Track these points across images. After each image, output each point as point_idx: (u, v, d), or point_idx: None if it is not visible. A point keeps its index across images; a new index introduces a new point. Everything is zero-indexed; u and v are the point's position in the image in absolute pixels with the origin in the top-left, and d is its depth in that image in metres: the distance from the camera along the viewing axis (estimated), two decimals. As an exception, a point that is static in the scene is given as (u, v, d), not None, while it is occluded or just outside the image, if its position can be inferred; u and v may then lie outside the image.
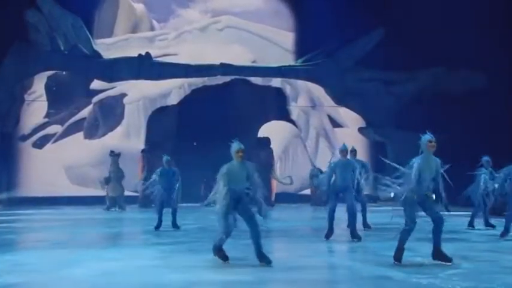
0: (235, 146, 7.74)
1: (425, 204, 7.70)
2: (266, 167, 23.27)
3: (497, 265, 7.64)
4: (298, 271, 7.23)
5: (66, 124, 27.71)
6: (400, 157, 27.29)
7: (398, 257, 7.63)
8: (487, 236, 11.50)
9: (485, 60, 23.00)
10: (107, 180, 22.22)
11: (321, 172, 20.83)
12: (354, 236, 10.53)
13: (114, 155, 22.64)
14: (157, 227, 12.56)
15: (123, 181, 22.47)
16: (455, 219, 16.21)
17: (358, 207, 11.90)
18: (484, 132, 22.17)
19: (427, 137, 7.72)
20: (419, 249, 9.16)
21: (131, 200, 24.70)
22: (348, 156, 11.59)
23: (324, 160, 28.67)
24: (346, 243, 10.73)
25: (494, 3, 22.82)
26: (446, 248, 9.28)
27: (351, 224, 10.64)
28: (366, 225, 12.90)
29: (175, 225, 12.76)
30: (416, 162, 7.52)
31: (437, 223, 7.73)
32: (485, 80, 24.08)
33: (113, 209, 21.42)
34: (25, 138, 27.04)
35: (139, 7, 29.11)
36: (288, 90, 29.35)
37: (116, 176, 22.23)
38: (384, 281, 6.55)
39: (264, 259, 7.42)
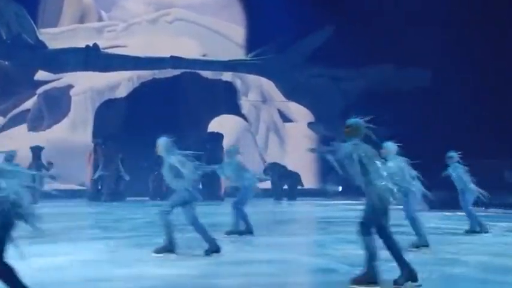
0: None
1: None
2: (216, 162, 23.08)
3: (436, 257, 7.87)
4: (246, 265, 7.26)
5: (9, 115, 26.88)
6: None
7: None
8: (428, 228, 11.83)
9: (430, 58, 23.64)
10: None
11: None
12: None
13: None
14: None
15: None
16: (401, 213, 16.63)
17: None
18: (429, 128, 22.81)
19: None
20: (364, 242, 9.34)
21: (78, 193, 24.22)
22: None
23: (274, 154, 29.02)
24: (293, 236, 10.85)
25: (441, 2, 23.46)
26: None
27: None
28: None
29: None
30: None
31: None
32: (429, 76, 24.78)
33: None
34: (-35, 129, 26.13)
35: (87, -3, 28.52)
36: (238, 84, 29.38)
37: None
38: (328, 273, 6.65)
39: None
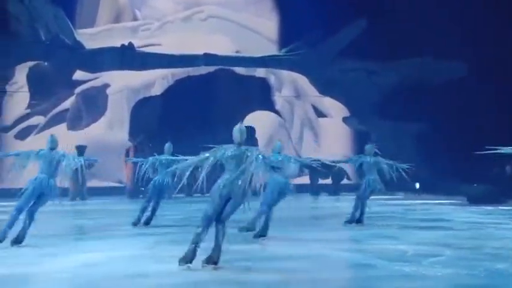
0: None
1: None
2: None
3: (479, 252, 7.72)
4: (281, 261, 7.27)
5: (49, 115, 27.46)
6: (384, 146, 27.37)
7: None
8: (470, 223, 11.64)
9: (466, 50, 23.19)
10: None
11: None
12: None
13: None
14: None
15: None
16: (439, 207, 16.41)
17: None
18: (464, 120, 22.40)
19: None
20: (402, 237, 9.25)
21: (117, 191, 24.65)
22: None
23: (309, 149, 28.89)
24: (329, 232, 10.80)
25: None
26: (429, 235, 9.41)
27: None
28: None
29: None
30: None
31: None
32: (465, 69, 24.31)
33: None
34: (7, 129, 26.76)
35: (122, -3, 28.86)
36: (272, 80, 29.34)
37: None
38: (366, 268, 6.60)
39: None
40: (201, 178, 6.77)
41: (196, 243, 6.68)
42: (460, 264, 6.79)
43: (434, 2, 23.35)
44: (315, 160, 11.36)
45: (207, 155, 6.80)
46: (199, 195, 23.96)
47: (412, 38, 23.74)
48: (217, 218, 6.80)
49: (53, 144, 9.29)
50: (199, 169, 6.72)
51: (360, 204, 11.79)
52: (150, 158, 12.15)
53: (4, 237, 8.69)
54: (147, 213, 11.83)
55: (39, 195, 8.93)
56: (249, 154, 6.77)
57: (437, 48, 23.88)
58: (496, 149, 7.01)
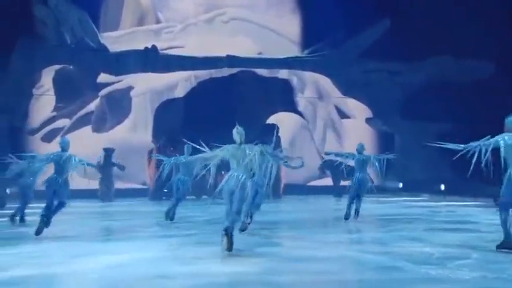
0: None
1: None
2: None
3: (507, 255, 7.61)
4: (306, 262, 7.25)
5: (74, 118, 27.80)
6: (408, 147, 27.25)
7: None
8: (496, 225, 11.46)
9: (492, 49, 22.87)
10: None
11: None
12: None
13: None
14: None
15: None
16: (465, 209, 16.21)
17: None
18: (490, 121, 22.08)
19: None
20: (428, 239, 9.16)
21: (140, 193, 24.85)
22: None
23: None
24: (353, 234, 10.75)
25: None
26: (455, 238, 9.31)
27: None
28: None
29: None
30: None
31: None
32: (492, 68, 23.96)
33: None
34: (34, 132, 27.16)
35: (145, 0, 29.07)
36: (294, 81, 29.30)
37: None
38: (392, 271, 6.55)
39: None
40: (212, 175, 7.68)
41: (227, 233, 7.57)
42: (487, 267, 6.70)
43: (460, 1, 23.09)
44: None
45: (215, 153, 7.56)
46: (206, 197, 24.00)
47: (435, 37, 23.50)
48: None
49: (64, 146, 10.27)
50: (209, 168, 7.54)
51: (351, 201, 12.44)
52: (172, 158, 12.93)
53: (40, 233, 10.06)
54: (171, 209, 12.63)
55: (54, 192, 10.21)
56: (248, 151, 7.46)
57: (461, 47, 23.57)
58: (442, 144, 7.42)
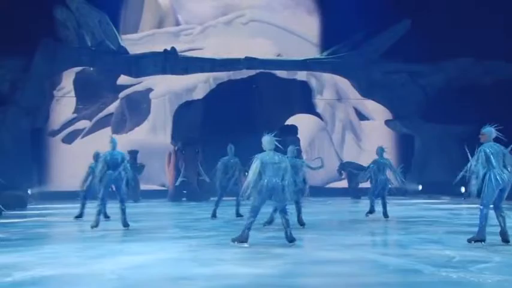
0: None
1: None
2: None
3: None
4: (325, 264, 7.22)
5: (94, 119, 28.06)
6: (428, 149, 27.02)
7: None
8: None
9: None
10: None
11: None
12: None
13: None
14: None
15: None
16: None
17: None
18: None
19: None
20: (448, 242, 9.07)
21: (160, 194, 25.00)
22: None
23: (351, 153, 28.64)
24: (373, 236, 10.68)
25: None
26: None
27: None
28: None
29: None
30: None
31: None
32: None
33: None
34: (55, 133, 27.48)
35: (165, 2, 29.24)
36: (313, 83, 29.24)
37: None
38: (413, 274, 6.49)
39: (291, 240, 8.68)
40: (249, 182, 8.60)
41: (248, 228, 8.61)
42: (509, 271, 6.61)
43: (482, 1, 22.83)
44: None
45: (255, 165, 8.60)
46: (231, 198, 24.00)
47: (457, 38, 23.25)
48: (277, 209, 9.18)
49: (114, 145, 11.89)
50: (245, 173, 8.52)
51: (374, 199, 13.65)
52: (220, 162, 13.88)
53: (97, 225, 11.61)
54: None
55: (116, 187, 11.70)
56: (282, 165, 8.69)
57: (483, 48, 23.30)
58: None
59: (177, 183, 23.02)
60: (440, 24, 23.34)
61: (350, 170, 24.91)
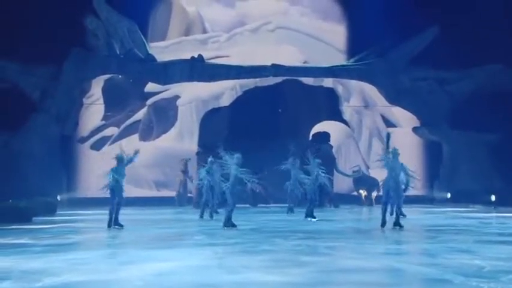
0: None
1: None
2: (328, 160, 22.62)
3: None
4: (352, 273, 7.16)
5: (122, 126, 28.38)
6: (456, 156, 26.69)
7: None
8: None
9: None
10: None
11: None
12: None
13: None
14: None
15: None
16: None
17: None
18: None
19: None
20: (478, 252, 8.91)
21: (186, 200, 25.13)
22: None
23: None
24: (401, 244, 10.55)
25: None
26: (506, 251, 9.02)
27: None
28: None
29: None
30: None
31: None
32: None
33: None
34: (83, 140, 27.85)
35: (192, 10, 29.48)
36: (340, 90, 29.11)
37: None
38: (442, 284, 6.39)
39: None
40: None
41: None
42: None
43: (508, 7, 22.51)
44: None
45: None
46: (263, 205, 24.13)
47: (486, 45, 22.95)
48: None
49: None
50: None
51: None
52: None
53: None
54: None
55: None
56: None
57: (511, 56, 22.95)
58: None
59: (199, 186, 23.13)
60: (469, 30, 23.06)
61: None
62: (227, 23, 29.45)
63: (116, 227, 13.35)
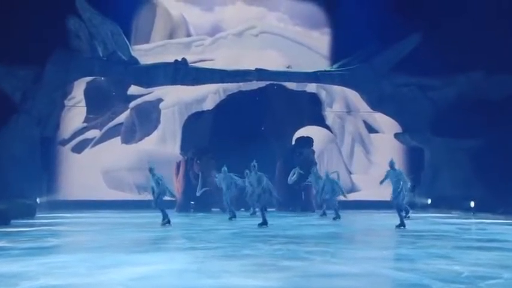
0: None
1: None
2: (309, 164, 22.67)
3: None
4: (332, 278, 7.17)
5: (104, 129, 28.20)
6: (437, 162, 26.97)
7: None
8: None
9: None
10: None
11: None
12: None
13: None
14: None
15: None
16: (495, 227, 15.88)
17: None
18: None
19: None
20: (457, 257, 8.98)
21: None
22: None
23: (360, 165, 28.58)
24: (381, 250, 10.60)
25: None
26: (485, 256, 9.11)
27: None
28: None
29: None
30: None
31: None
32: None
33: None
34: (65, 142, 27.62)
35: (176, 13, 29.44)
36: (323, 95, 29.26)
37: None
38: (420, 289, 6.43)
39: None
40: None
41: None
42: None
43: (493, 15, 22.79)
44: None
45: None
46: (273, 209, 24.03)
47: (468, 52, 23.20)
48: None
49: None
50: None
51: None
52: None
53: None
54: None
55: None
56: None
57: (494, 63, 23.24)
58: None
59: (198, 194, 22.42)
60: (451, 37, 23.31)
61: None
62: (207, 28, 29.46)
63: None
